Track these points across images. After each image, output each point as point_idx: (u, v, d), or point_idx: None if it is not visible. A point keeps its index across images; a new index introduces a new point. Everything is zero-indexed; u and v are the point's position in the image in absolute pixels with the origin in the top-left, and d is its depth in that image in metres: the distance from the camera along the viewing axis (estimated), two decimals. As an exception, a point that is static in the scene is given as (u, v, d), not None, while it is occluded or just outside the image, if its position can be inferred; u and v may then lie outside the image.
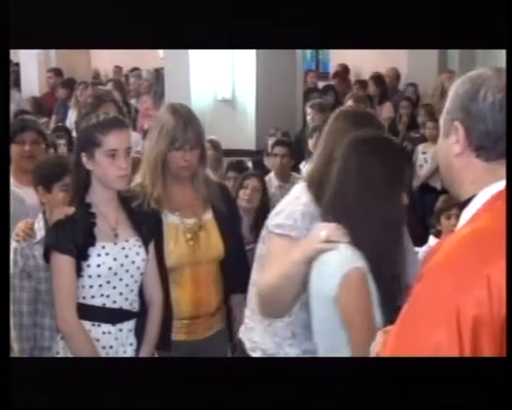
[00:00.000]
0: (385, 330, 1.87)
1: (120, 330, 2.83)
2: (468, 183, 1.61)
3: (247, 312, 2.77)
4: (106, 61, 12.49)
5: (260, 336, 2.64)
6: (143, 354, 2.88)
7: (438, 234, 4.64)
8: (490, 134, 1.57)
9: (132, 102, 9.54)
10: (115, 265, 2.79)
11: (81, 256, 2.75)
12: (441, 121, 1.69)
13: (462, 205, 1.62)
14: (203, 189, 3.14)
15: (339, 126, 2.56)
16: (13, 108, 8.19)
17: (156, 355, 2.98)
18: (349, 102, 6.94)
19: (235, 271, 3.20)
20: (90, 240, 2.77)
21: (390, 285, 2.20)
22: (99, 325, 2.80)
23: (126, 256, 2.82)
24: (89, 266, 2.76)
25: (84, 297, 2.79)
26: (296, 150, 6.19)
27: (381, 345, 1.72)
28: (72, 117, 8.40)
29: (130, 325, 2.86)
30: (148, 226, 2.92)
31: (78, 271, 2.76)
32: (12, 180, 3.55)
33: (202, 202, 3.15)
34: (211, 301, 3.15)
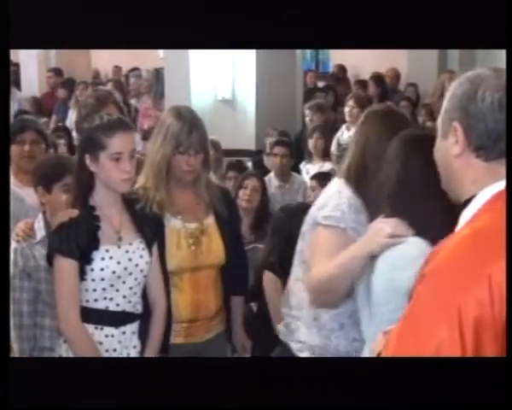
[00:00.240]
0: (385, 331, 1.87)
1: (123, 332, 2.81)
2: (468, 183, 1.61)
3: (288, 312, 2.82)
4: (106, 61, 12.49)
5: (306, 335, 2.70)
6: (147, 355, 2.85)
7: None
8: (489, 134, 1.57)
9: (132, 102, 9.53)
10: (119, 268, 2.76)
11: (85, 260, 2.72)
12: (439, 122, 1.69)
13: (463, 205, 1.62)
14: (205, 193, 3.12)
15: (376, 126, 2.65)
16: (13, 107, 8.19)
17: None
18: (350, 102, 6.96)
19: (235, 273, 3.19)
20: (94, 243, 2.73)
21: None
22: (102, 328, 2.77)
23: (130, 260, 2.79)
24: (92, 269, 2.73)
25: (87, 301, 2.76)
26: (296, 150, 6.19)
27: (383, 345, 1.72)
28: (72, 117, 8.39)
29: (133, 327, 2.84)
30: (151, 228, 2.90)
31: (82, 274, 2.73)
32: (12, 180, 3.55)
33: (204, 206, 3.13)
34: (210, 304, 3.13)
